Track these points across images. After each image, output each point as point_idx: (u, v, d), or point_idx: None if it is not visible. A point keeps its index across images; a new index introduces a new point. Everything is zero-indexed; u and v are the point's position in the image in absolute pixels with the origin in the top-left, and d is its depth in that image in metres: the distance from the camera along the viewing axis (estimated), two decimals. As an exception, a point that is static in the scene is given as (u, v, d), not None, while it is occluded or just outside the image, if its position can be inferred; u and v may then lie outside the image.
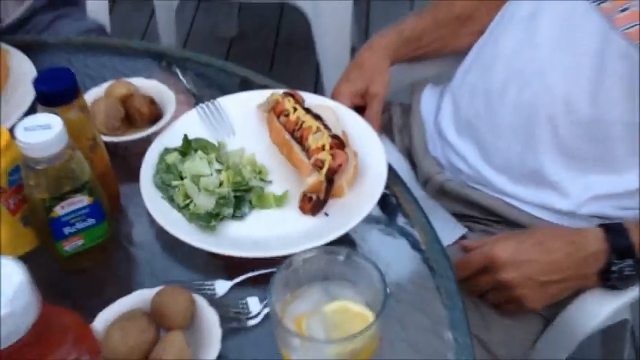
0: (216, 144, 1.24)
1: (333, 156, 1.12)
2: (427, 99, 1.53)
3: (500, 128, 1.31)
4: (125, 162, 1.25)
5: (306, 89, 1.39)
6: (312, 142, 1.22)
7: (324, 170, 1.10)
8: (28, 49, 1.38)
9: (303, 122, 1.26)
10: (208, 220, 1.11)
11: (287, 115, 1.29)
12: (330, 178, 1.12)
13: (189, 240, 1.07)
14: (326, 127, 1.17)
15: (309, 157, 1.14)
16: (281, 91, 1.26)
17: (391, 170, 1.18)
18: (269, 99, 1.24)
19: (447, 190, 1.40)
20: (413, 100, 1.54)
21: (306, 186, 1.13)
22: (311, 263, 0.92)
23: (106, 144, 1.29)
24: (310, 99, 1.28)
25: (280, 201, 1.16)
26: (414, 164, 1.48)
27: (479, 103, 1.35)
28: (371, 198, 1.13)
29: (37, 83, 1.04)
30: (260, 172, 1.20)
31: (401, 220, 1.19)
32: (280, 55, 3.15)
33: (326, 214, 1.14)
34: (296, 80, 2.29)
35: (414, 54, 1.50)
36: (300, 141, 1.26)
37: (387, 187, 1.15)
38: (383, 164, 1.16)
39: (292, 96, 1.23)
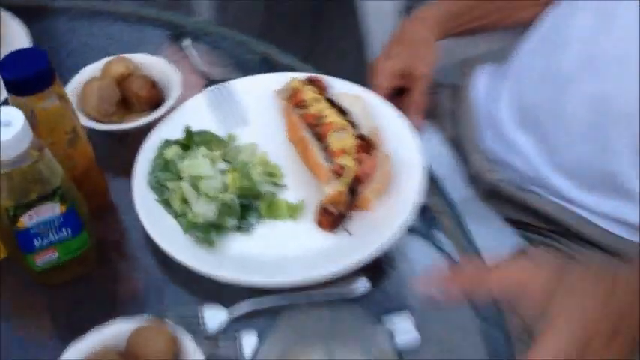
0: (224, 137, 1.10)
1: (358, 161, 0.97)
2: (481, 81, 1.36)
3: (567, 122, 1.15)
4: (120, 154, 1.11)
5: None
6: (334, 142, 1.01)
7: (347, 179, 0.90)
8: (25, 14, 1.24)
9: (325, 117, 1.05)
10: (207, 232, 0.94)
11: (306, 107, 1.08)
12: (354, 189, 0.91)
13: (181, 257, 0.94)
14: (352, 123, 0.97)
15: (329, 161, 0.92)
16: (302, 75, 1.04)
17: (431, 176, 1.03)
18: (287, 86, 1.04)
19: (500, 192, 1.25)
20: (464, 82, 1.38)
21: (324, 196, 0.91)
22: (313, 318, 0.73)
23: (99, 132, 1.11)
24: (338, 85, 1.12)
25: (294, 212, 1.02)
26: (462, 158, 1.34)
27: (544, 90, 1.19)
28: (404, 213, 0.97)
29: (3, 68, 0.85)
30: (273, 175, 1.04)
31: (439, 236, 1.04)
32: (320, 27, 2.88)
33: (348, 232, 0.96)
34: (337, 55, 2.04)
35: (468, 27, 1.34)
36: (321, 139, 1.06)
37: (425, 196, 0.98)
38: (421, 171, 0.99)
39: (315, 83, 1.02)
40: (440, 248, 1.02)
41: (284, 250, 0.97)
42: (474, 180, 1.29)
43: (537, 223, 1.20)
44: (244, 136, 1.10)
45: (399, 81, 1.24)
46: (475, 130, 1.32)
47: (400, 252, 0.98)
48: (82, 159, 0.97)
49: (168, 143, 1.12)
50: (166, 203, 1.00)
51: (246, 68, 1.22)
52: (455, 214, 1.03)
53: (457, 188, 1.24)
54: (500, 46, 1.44)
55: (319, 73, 1.20)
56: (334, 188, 0.95)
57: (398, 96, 1.25)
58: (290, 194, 1.03)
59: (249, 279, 0.92)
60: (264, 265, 0.94)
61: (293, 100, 1.13)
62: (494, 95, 1.30)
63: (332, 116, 1.06)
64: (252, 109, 1.14)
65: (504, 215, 1.22)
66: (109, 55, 1.24)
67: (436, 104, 1.40)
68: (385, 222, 0.97)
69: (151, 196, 1.01)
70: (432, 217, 1.04)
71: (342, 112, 1.01)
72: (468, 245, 1.00)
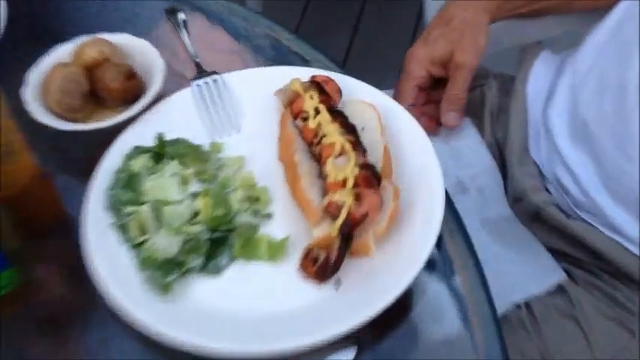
0: (206, 147, 0.93)
1: (357, 198, 0.80)
2: (539, 74, 1.18)
3: (631, 143, 0.97)
4: (85, 157, 0.94)
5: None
6: (332, 171, 0.80)
7: (340, 221, 0.68)
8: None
9: (325, 135, 0.83)
10: (165, 273, 0.77)
11: (305, 120, 0.86)
12: (348, 235, 0.69)
13: (121, 306, 0.79)
14: (357, 145, 0.74)
15: (322, 194, 0.71)
16: (308, 74, 0.91)
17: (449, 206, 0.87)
18: (286, 88, 0.82)
19: (545, 217, 1.09)
20: (518, 75, 1.20)
21: (311, 239, 0.71)
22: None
23: (61, 131, 0.93)
24: (354, 87, 0.94)
25: (276, 252, 0.84)
26: (504, 168, 1.15)
27: (607, 101, 1.01)
28: (413, 262, 0.80)
29: None
30: (257, 201, 0.88)
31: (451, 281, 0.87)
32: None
33: (339, 284, 0.81)
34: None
35: (528, 8, 1.17)
36: (319, 161, 0.84)
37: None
38: (440, 207, 0.83)
39: (320, 85, 0.80)
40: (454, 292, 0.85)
41: (258, 302, 0.81)
42: (518, 199, 1.12)
43: (583, 256, 1.06)
44: (232, 147, 0.94)
45: (436, 70, 1.10)
46: (525, 135, 1.14)
47: (400, 303, 0.79)
48: (21, 176, 0.79)
49: (138, 151, 0.92)
50: (123, 229, 0.80)
51: (253, 52, 1.06)
52: (472, 254, 0.88)
53: (494, 204, 1.12)
54: (567, 30, 1.25)
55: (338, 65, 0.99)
56: (324, 231, 0.73)
57: (435, 88, 1.11)
58: (275, 227, 0.87)
59: (208, 345, 0.75)
60: (230, 325, 0.79)
61: (292, 107, 0.91)
62: (551, 94, 1.12)
63: (333, 135, 0.83)
64: (248, 112, 0.97)
65: (546, 243, 1.08)
66: (93, 31, 1.03)
67: (482, 99, 1.21)
68: (389, 273, 0.80)
69: (105, 219, 0.85)
70: (445, 258, 0.87)
71: (347, 127, 0.78)
72: (483, 298, 0.85)
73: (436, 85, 1.12)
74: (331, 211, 0.79)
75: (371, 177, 0.81)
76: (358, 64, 2.43)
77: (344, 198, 0.79)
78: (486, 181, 1.14)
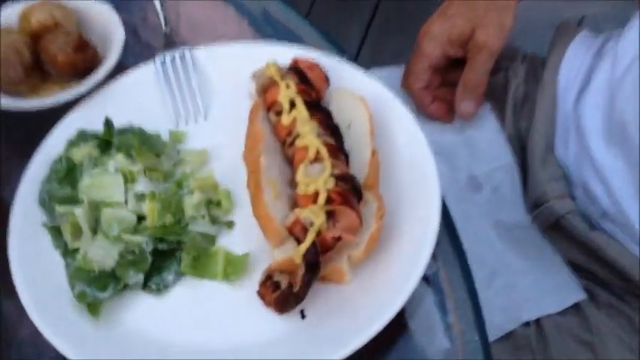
0: (164, 136, 0.82)
1: (331, 217, 0.68)
2: (573, 60, 1.06)
3: None
4: (27, 140, 0.82)
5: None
6: (302, 180, 0.66)
7: (304, 247, 0.55)
8: None
9: (298, 135, 0.68)
10: (98, 289, 0.71)
11: (279, 114, 0.71)
12: (314, 263, 0.56)
13: (42, 326, 0.68)
14: (337, 151, 0.60)
15: (292, 205, 0.58)
16: (289, 55, 0.79)
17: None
18: (259, 74, 0.67)
19: (565, 226, 0.99)
20: (550, 58, 1.08)
21: (272, 262, 0.57)
22: None
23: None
24: (346, 75, 0.82)
25: (234, 270, 0.73)
26: (525, 167, 1.05)
27: None
28: (395, 293, 0.69)
29: None
30: (218, 206, 0.77)
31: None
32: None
33: (302, 315, 0.71)
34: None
35: None
36: (291, 165, 0.70)
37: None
38: (435, 226, 0.71)
39: (301, 74, 0.65)
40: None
41: (208, 334, 0.70)
42: (536, 202, 1.02)
43: (605, 274, 0.97)
44: (196, 137, 0.83)
45: (454, 49, 0.99)
46: (551, 131, 1.03)
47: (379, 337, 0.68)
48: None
49: (82, 137, 0.78)
50: (57, 232, 0.66)
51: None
52: (467, 279, 0.76)
53: (510, 206, 1.02)
54: (610, 8, 1.17)
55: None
56: (285, 254, 0.60)
57: (452, 70, 1.01)
58: (235, 240, 0.76)
59: None
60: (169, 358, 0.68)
61: (266, 97, 0.76)
62: (586, 84, 1.02)
63: (308, 136, 0.68)
64: (218, 97, 0.85)
65: (566, 257, 1.00)
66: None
67: (504, 84, 1.10)
68: (367, 305, 0.70)
69: (35, 218, 0.75)
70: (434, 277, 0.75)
71: (328, 127, 0.63)
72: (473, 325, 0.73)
73: (453, 66, 1.02)
74: (296, 232, 0.66)
75: (349, 192, 0.67)
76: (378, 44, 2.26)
77: (313, 217, 0.65)
78: (503, 179, 1.05)
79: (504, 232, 1.01)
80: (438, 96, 1.04)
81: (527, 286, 0.97)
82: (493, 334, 0.93)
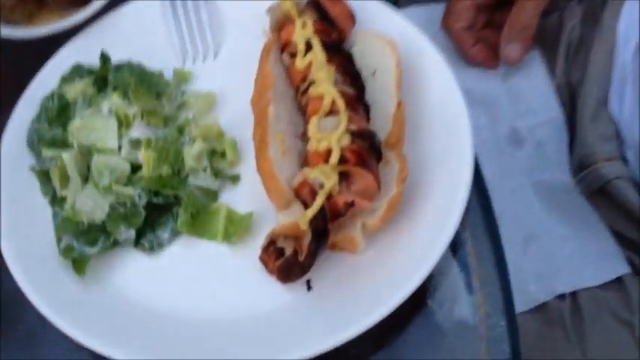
0: (167, 74, 0.74)
1: (345, 179, 0.60)
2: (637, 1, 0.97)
3: None
4: (17, 73, 0.76)
5: None
6: (314, 135, 0.58)
7: (311, 212, 0.48)
8: None
9: (313, 82, 0.60)
10: (86, 243, 0.65)
11: (294, 56, 0.63)
12: (322, 230, 0.48)
13: (22, 281, 0.62)
14: (355, 102, 0.54)
15: (302, 162, 0.62)
16: None
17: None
18: (274, 8, 0.59)
19: (612, 191, 0.94)
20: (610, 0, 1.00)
21: (276, 225, 0.61)
22: None
23: None
24: (372, 15, 0.73)
25: (235, 231, 0.66)
26: (573, 122, 0.99)
27: None
28: (414, 268, 0.62)
29: None
30: (222, 158, 0.70)
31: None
32: None
33: (309, 287, 0.64)
34: None
35: None
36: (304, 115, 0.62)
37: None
38: (465, 191, 0.64)
39: (322, 10, 0.58)
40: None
41: (201, 302, 0.64)
42: (582, 163, 0.97)
43: None
44: (203, 78, 0.76)
45: None
46: (606, 83, 0.97)
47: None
48: None
49: (77, 72, 0.72)
50: (45, 178, 0.62)
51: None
52: (497, 254, 0.69)
53: (554, 165, 0.97)
54: None
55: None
56: (290, 217, 0.60)
57: (499, 9, 0.96)
58: (240, 197, 0.69)
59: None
60: (161, 331, 0.62)
61: (281, 35, 0.67)
62: None
63: (324, 83, 0.60)
64: (232, 33, 0.78)
65: (610, 226, 0.95)
66: None
67: (557, 27, 1.03)
68: (381, 278, 0.63)
69: (24, 160, 0.69)
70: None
71: (349, 74, 0.55)
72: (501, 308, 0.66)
73: (500, 5, 0.96)
74: (303, 195, 0.58)
75: (366, 150, 0.60)
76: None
77: (323, 178, 0.57)
78: (548, 134, 0.99)
79: (545, 194, 0.95)
80: (481, 38, 0.97)
81: (567, 255, 0.92)
82: (523, 304, 0.88)
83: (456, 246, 0.68)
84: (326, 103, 0.60)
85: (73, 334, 0.60)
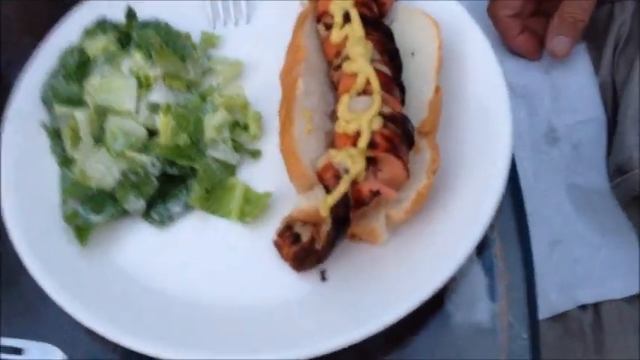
0: (195, 37, 0.70)
1: (372, 165, 0.56)
2: None
3: None
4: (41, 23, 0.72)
5: None
6: (344, 114, 0.54)
7: (333, 198, 0.48)
8: None
9: (347, 58, 0.55)
10: (93, 209, 0.60)
11: (330, 28, 0.58)
12: (343, 218, 0.44)
13: (20, 244, 0.59)
14: (391, 83, 0.50)
15: (328, 143, 0.58)
16: None
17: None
18: None
19: None
20: None
21: (294, 209, 0.57)
22: None
23: None
24: None
25: (252, 210, 0.62)
26: (614, 123, 0.95)
27: None
28: (437, 268, 0.58)
29: None
30: (245, 130, 0.65)
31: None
32: None
33: (323, 277, 0.59)
34: None
35: None
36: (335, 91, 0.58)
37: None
38: (495, 190, 0.60)
39: None
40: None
41: (208, 284, 0.60)
42: (619, 168, 0.93)
43: None
44: (232, 44, 0.72)
45: None
46: None
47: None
48: None
49: (101, 27, 0.68)
50: (56, 137, 0.61)
51: None
52: (526, 260, 0.65)
53: (590, 169, 0.93)
54: None
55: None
56: (311, 202, 0.56)
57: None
58: (259, 174, 0.65)
59: (125, 340, 0.56)
60: (162, 313, 0.58)
61: (318, 5, 0.63)
62: None
63: (359, 60, 0.55)
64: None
65: None
66: None
67: (606, 21, 0.99)
68: (401, 274, 0.59)
69: (36, 115, 0.66)
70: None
71: (387, 51, 0.53)
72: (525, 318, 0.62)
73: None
74: (326, 179, 0.54)
75: (398, 136, 0.56)
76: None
77: (349, 162, 0.53)
78: (587, 135, 0.94)
79: (578, 198, 0.91)
80: (528, 27, 0.92)
81: (593, 264, 0.89)
82: (543, 312, 0.82)
83: (481, 246, 0.62)
84: (359, 81, 0.56)
85: (66, 306, 0.56)
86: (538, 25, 0.93)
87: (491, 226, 0.64)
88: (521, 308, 0.61)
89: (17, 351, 0.58)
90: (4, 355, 0.58)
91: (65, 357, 0.57)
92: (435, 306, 0.61)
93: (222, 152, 0.63)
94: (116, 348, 0.56)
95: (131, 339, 0.55)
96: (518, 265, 0.64)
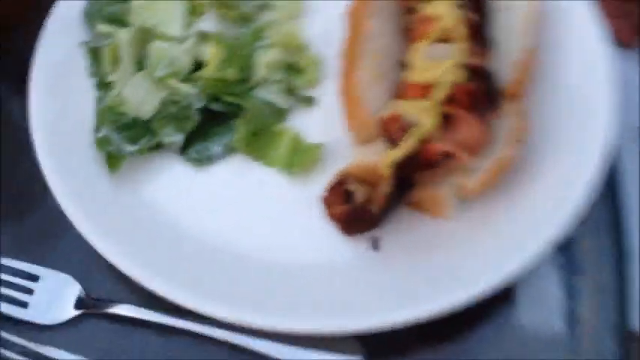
0: None
1: (446, 122, 0.48)
2: None
3: None
4: None
5: None
6: (419, 61, 0.46)
7: (399, 153, 0.44)
8: None
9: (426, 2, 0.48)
10: (127, 138, 0.55)
11: None
12: (406, 180, 0.36)
13: (48, 168, 0.53)
14: (476, 33, 0.42)
15: (392, 94, 0.51)
16: None
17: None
18: None
19: None
20: None
21: (350, 163, 0.50)
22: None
23: None
24: None
25: (300, 161, 0.56)
26: None
27: None
28: (510, 255, 0.50)
29: None
30: (302, 73, 0.58)
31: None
32: None
33: (375, 245, 0.52)
34: None
35: None
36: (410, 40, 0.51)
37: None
38: (588, 172, 0.51)
39: None
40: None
41: (241, 235, 0.54)
42: None
43: None
44: None
45: None
46: None
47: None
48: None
49: None
50: (95, 57, 0.58)
51: None
52: (618, 259, 0.56)
53: None
54: None
55: None
56: (371, 156, 0.48)
57: None
58: (312, 124, 0.58)
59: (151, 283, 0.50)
60: (189, 253, 0.53)
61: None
62: None
63: (441, 4, 0.47)
64: None
65: None
66: None
67: None
68: (467, 256, 0.52)
69: (75, 35, 0.59)
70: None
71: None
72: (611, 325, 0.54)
73: None
74: (391, 131, 0.46)
75: (481, 94, 0.47)
76: None
77: (420, 116, 0.45)
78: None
79: None
80: (626, 12, 0.82)
81: None
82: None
83: (566, 238, 0.53)
84: (442, 25, 0.48)
85: (89, 237, 0.51)
86: (637, 10, 0.83)
87: (581, 219, 0.56)
88: (609, 313, 0.53)
89: (33, 278, 0.54)
90: (19, 280, 0.54)
91: (81, 289, 0.52)
92: (497, 299, 0.52)
93: (272, 94, 0.56)
94: (133, 289, 0.51)
95: (153, 280, 0.48)
96: (609, 265, 0.55)
